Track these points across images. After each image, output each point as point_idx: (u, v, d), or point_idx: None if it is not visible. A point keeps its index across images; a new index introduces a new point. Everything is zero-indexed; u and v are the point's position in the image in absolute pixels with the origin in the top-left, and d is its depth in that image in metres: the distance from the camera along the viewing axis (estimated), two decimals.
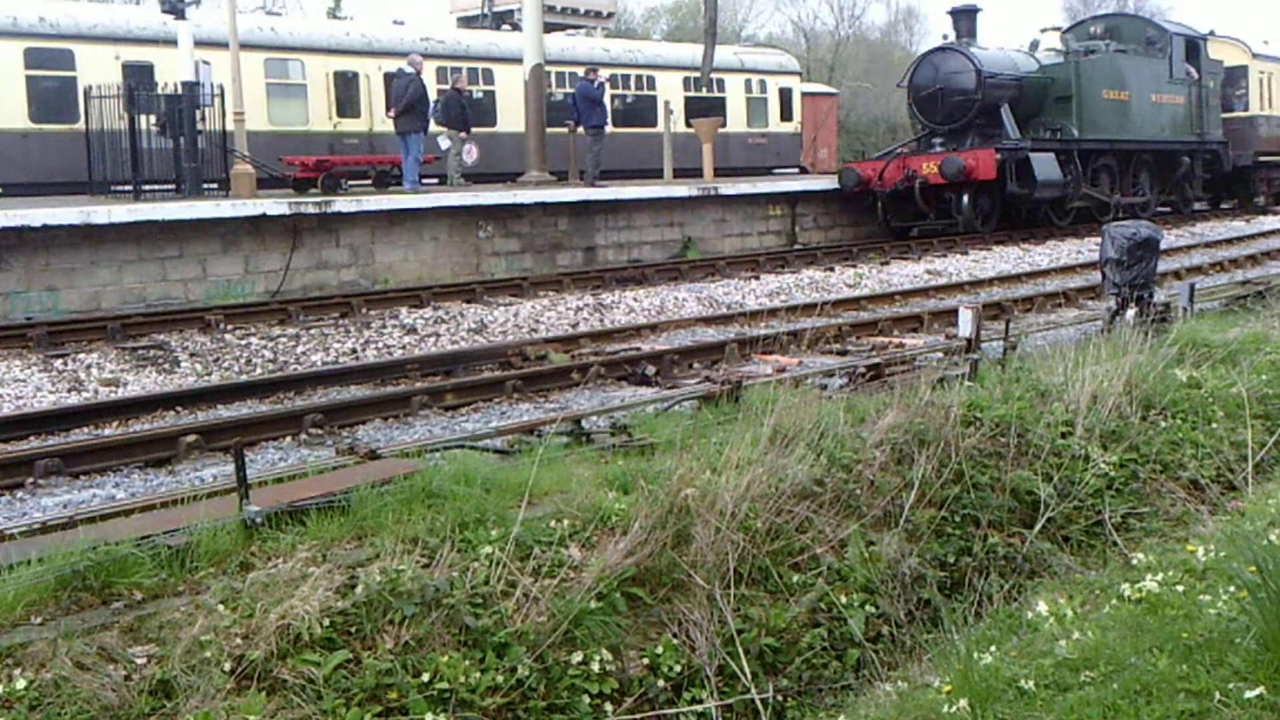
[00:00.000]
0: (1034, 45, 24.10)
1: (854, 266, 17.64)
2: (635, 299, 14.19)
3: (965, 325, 9.35)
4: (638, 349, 11.22)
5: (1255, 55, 29.50)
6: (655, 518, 5.29)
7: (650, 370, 9.97)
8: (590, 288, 14.80)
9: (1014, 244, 21.08)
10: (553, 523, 5.28)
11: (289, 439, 7.96)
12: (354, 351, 11.19)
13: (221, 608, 4.29)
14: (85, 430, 8.29)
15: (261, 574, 4.59)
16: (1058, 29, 26.08)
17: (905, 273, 17.37)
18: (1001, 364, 8.61)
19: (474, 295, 13.71)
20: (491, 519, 5.17)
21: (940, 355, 9.54)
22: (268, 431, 8.01)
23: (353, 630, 4.38)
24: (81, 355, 10.23)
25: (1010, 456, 6.66)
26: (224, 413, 8.80)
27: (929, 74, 22.48)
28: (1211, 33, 28.39)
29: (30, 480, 6.89)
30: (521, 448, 6.75)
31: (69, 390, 9.41)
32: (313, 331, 11.64)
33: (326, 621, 4.32)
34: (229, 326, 11.50)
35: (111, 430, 8.31)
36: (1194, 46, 26.27)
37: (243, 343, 11.07)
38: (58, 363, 9.96)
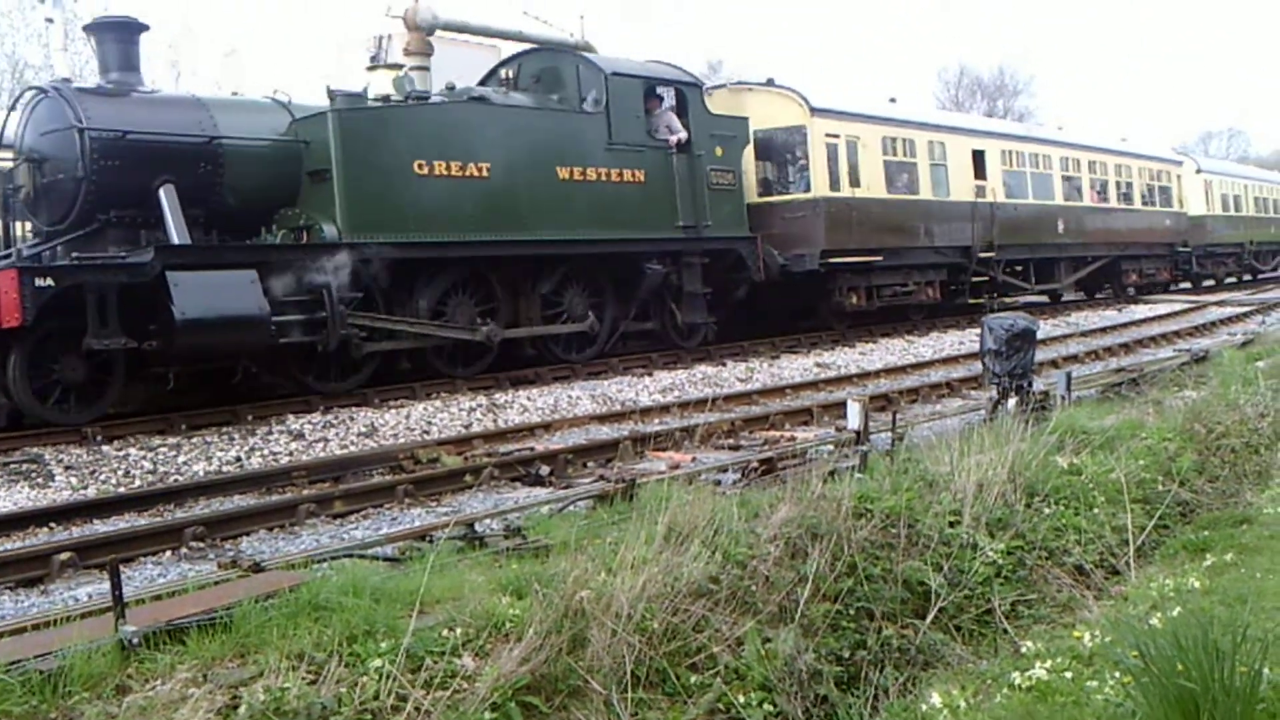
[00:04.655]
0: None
1: (745, 361, 17.88)
2: (529, 398, 14.15)
3: (854, 418, 9.53)
4: (531, 449, 11.16)
5: (817, 111, 20.40)
6: (550, 622, 5.20)
7: (544, 470, 9.91)
8: (483, 388, 14.73)
9: (899, 336, 21.63)
10: (445, 631, 5.15)
11: (169, 553, 7.69)
12: (238, 460, 10.90)
13: None
14: None
15: (139, 697, 4.39)
16: (392, 67, 15.73)
17: (796, 366, 17.66)
18: (890, 455, 8.76)
19: (365, 398, 13.52)
20: (382, 630, 5.03)
21: (831, 448, 9.68)
22: (146, 546, 7.72)
23: None
24: None
25: (901, 547, 6.74)
26: (100, 528, 8.47)
27: (26, 134, 13.16)
28: (770, 81, 21.02)
29: None
30: (413, 554, 6.61)
31: None
32: (195, 440, 11.32)
33: None
34: (106, 438, 11.13)
35: None
36: (681, 97, 17.89)
37: (120, 454, 10.71)
38: None
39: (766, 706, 5.19)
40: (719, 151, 18.17)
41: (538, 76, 17.16)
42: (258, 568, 6.16)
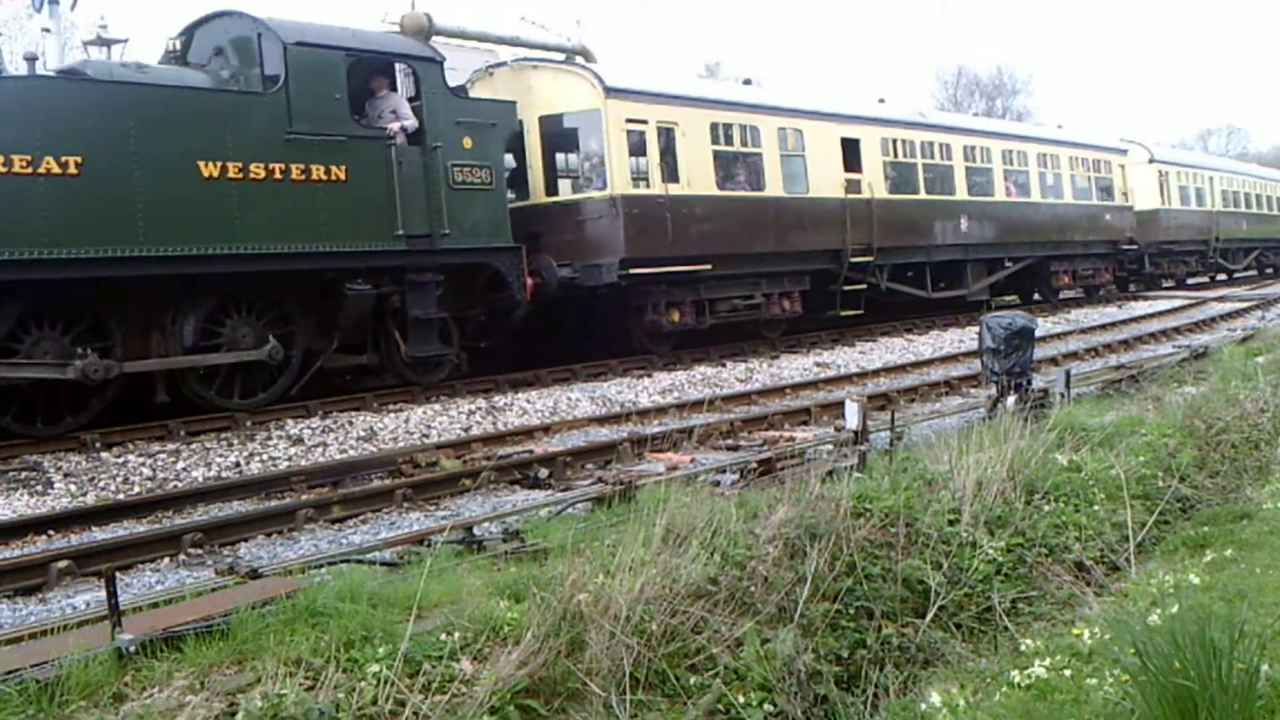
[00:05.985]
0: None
1: (745, 361, 17.87)
2: (528, 400, 14.14)
3: (852, 417, 9.52)
4: (530, 451, 11.15)
5: (614, 92, 16.81)
6: (548, 625, 5.19)
7: (543, 473, 9.90)
8: (482, 391, 14.72)
9: (899, 335, 21.61)
10: (443, 636, 5.14)
11: (167, 560, 7.69)
12: (237, 465, 10.89)
13: None
14: None
15: (136, 705, 4.39)
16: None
17: (795, 365, 17.65)
18: (889, 454, 8.75)
19: (363, 403, 13.51)
20: (379, 635, 5.02)
21: (830, 447, 9.67)
22: (144, 553, 7.71)
23: None
24: None
25: (900, 546, 6.73)
26: (99, 535, 8.46)
27: None
28: (570, 58, 17.82)
29: None
30: (411, 559, 6.61)
31: None
32: (194, 446, 11.32)
33: None
34: (105, 445, 11.12)
35: None
36: (414, 79, 14.48)
37: (119, 460, 10.70)
38: None
39: (766, 707, 5.18)
40: (467, 143, 14.50)
41: (219, 48, 13.60)
42: (255, 574, 6.14)
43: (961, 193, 24.11)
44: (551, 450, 10.99)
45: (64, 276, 11.20)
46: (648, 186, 17.24)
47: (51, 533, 8.53)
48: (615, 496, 7.84)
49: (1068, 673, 4.58)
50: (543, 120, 16.94)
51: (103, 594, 6.10)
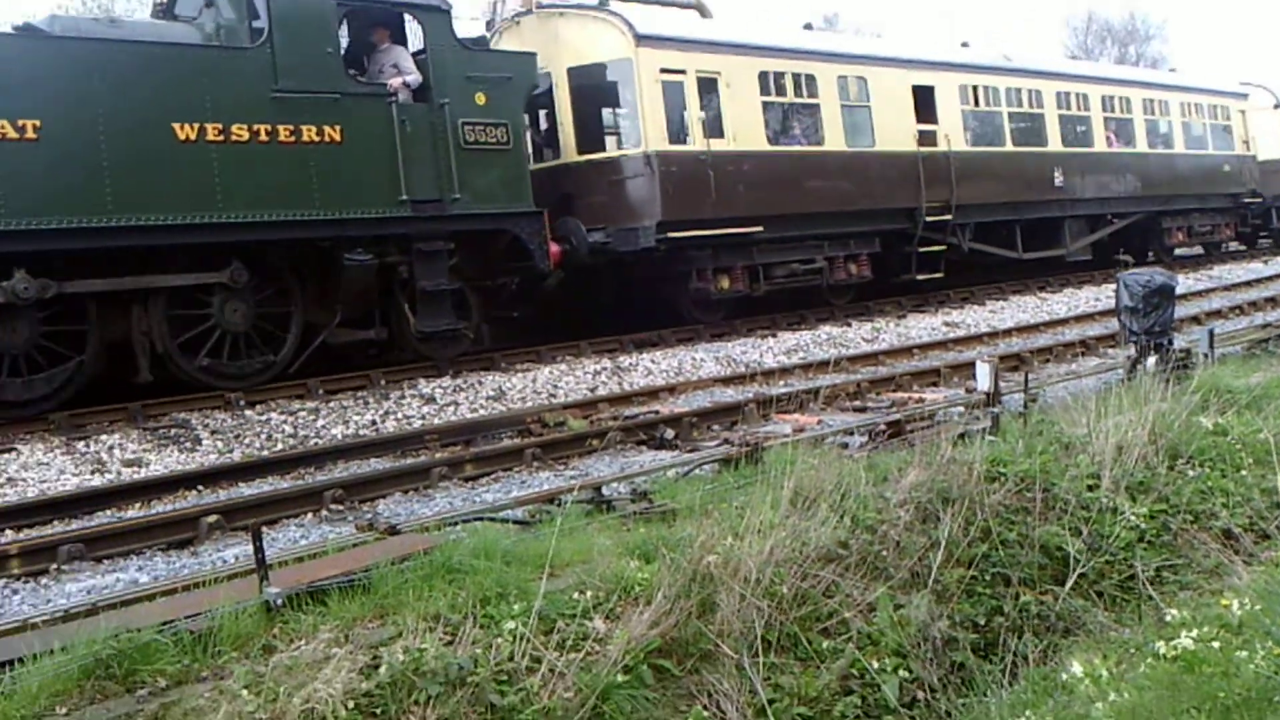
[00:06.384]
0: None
1: (871, 321, 17.61)
2: (653, 361, 14.19)
3: (984, 379, 9.32)
4: (656, 412, 11.20)
5: (645, 40, 15.46)
6: (679, 586, 5.24)
7: (669, 433, 9.94)
8: (607, 351, 14.81)
9: (1031, 293, 21.03)
10: (575, 594, 5.23)
11: (310, 515, 7.95)
12: (373, 423, 11.20)
13: (245, 693, 4.25)
14: (108, 513, 8.30)
15: (284, 656, 4.55)
16: None
17: (923, 325, 17.34)
18: (1023, 417, 8.55)
19: (492, 362, 13.73)
20: (514, 593, 5.12)
21: (961, 410, 9.50)
22: (288, 509, 7.99)
23: (377, 712, 4.33)
24: (104, 436, 10.24)
25: (1037, 511, 6.59)
26: (245, 490, 8.79)
27: None
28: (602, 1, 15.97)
29: (54, 566, 6.87)
30: (542, 517, 6.72)
31: (92, 472, 9.42)
32: (332, 405, 11.66)
33: (351, 704, 4.28)
34: (249, 403, 11.53)
35: (134, 512, 8.31)
36: (391, 20, 13.34)
37: (263, 418, 11.08)
38: (80, 444, 9.98)
39: (901, 673, 5.15)
40: (480, 99, 13.18)
41: (209, 1, 12.33)
42: (394, 530, 6.32)
43: (1055, 143, 22.07)
44: (677, 411, 11.02)
45: (18, 249, 10.31)
46: (687, 142, 15.70)
47: (201, 488, 8.89)
48: (742, 458, 7.84)
49: (1216, 644, 4.43)
50: (571, 72, 15.65)
51: (249, 548, 6.35)
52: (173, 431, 10.58)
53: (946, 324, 17.48)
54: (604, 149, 15.80)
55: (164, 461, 9.82)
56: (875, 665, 5.14)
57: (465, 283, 13.61)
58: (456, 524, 6.45)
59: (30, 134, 10.23)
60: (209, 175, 11.20)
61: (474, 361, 13.77)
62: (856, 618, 5.41)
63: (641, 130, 15.29)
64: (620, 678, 4.69)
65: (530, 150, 15.43)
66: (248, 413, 11.24)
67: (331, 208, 11.99)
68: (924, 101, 19.31)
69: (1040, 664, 5.26)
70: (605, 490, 7.41)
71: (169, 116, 10.99)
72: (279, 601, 4.95)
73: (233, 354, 11.90)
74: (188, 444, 10.33)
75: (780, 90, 17.13)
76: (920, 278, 19.14)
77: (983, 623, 5.74)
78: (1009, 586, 6.01)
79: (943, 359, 14.02)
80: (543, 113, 16.08)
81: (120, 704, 4.22)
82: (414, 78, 12.84)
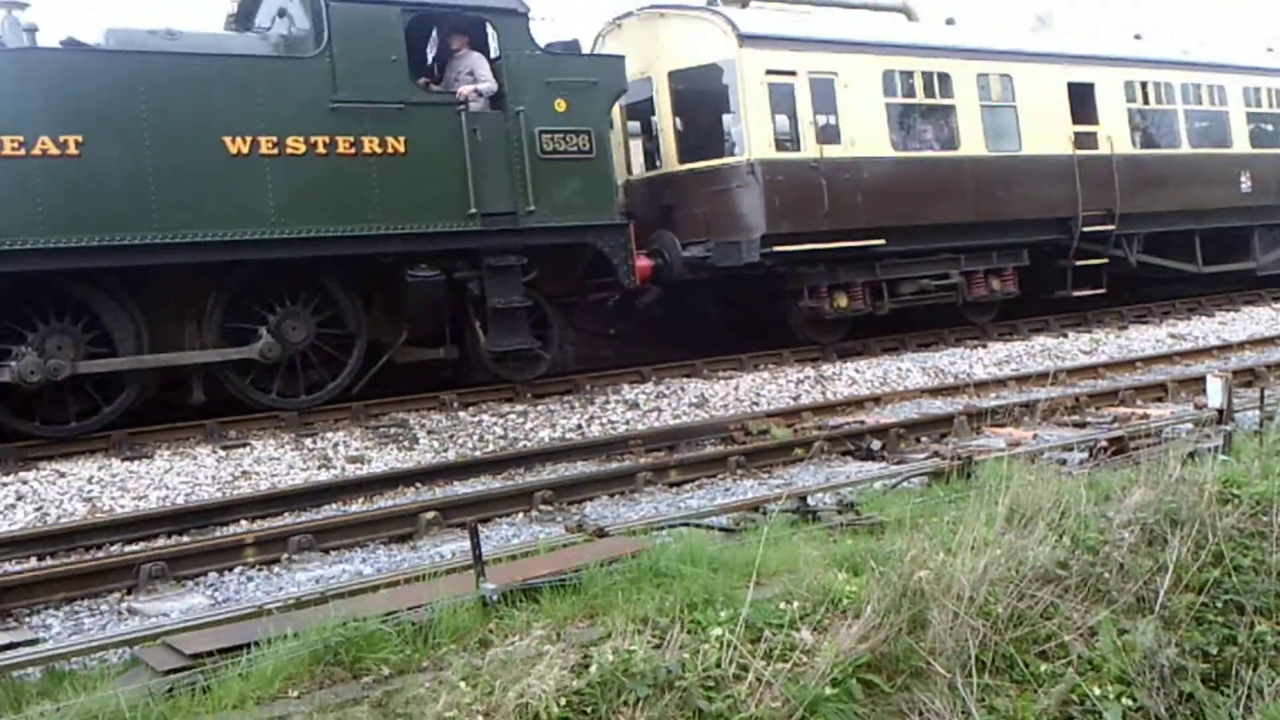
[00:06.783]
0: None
1: (1089, 332, 16.87)
2: (857, 370, 13.99)
3: (1215, 395, 8.80)
4: (861, 422, 11.03)
5: (749, 39, 14.38)
6: (888, 601, 5.14)
7: (876, 444, 9.78)
8: (810, 359, 14.68)
9: (1265, 304, 19.74)
10: (782, 604, 5.19)
11: (520, 515, 8.19)
12: (579, 427, 11.43)
13: (463, 685, 4.39)
14: (334, 506, 8.75)
15: (500, 651, 4.68)
16: None
17: (1146, 337, 16.52)
18: (1258, 436, 8.03)
19: (694, 369, 13.81)
20: (720, 599, 5.13)
21: (1189, 427, 9.01)
22: (500, 508, 8.25)
23: (588, 710, 4.41)
24: (329, 433, 10.81)
25: (1275, 537, 6.18)
26: (459, 489, 9.12)
27: None
28: None
29: (285, 555, 7.29)
30: (746, 525, 6.73)
31: (319, 467, 9.95)
32: (540, 408, 11.96)
33: (563, 700, 4.36)
34: (462, 405, 11.95)
35: (358, 506, 8.75)
36: (468, 26, 12.68)
37: (475, 420, 11.47)
38: (308, 441, 10.56)
39: (1125, 700, 4.91)
40: (561, 106, 12.45)
41: (282, 9, 12.15)
42: (602, 533, 6.43)
43: (1241, 144, 19.65)
44: (884, 422, 10.83)
45: (53, 267, 10.12)
46: (797, 149, 14.61)
47: (418, 485, 9.29)
48: (953, 472, 7.66)
49: None
50: (672, 76, 14.83)
51: (464, 544, 6.58)
52: (392, 430, 11.06)
53: (1172, 335, 16.61)
54: (705, 157, 14.82)
55: (384, 459, 10.28)
56: (1097, 692, 4.92)
57: (545, 299, 12.98)
58: (663, 529, 6.52)
59: (72, 150, 10.03)
60: (262, 189, 10.83)
61: (677, 369, 13.87)
62: (1076, 641, 5.19)
63: (744, 137, 14.35)
64: (829, 690, 4.63)
65: (641, 159, 15.23)
66: (461, 414, 11.65)
67: (393, 221, 11.46)
68: (1081, 100, 17.55)
69: (1278, 699, 4.93)
70: (810, 500, 7.35)
71: (219, 130, 10.66)
72: (494, 597, 5.10)
73: (289, 374, 11.54)
74: (406, 443, 10.78)
75: (909, 90, 15.90)
76: (1077, 294, 17.37)
77: (1214, 652, 5.41)
78: (1243, 615, 5.65)
79: (1168, 373, 13.33)
80: (653, 120, 15.45)
81: (347, 689, 4.43)
82: (487, 85, 12.23)
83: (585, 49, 14.02)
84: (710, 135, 15.07)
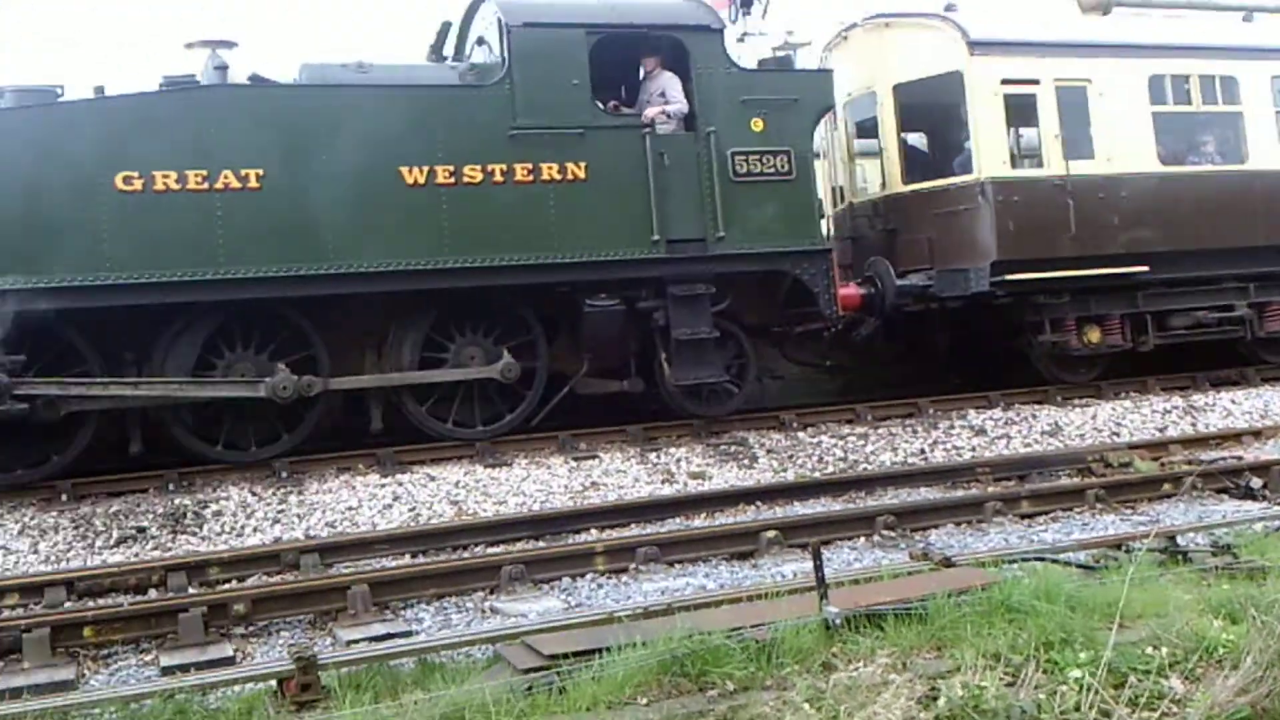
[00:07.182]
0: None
1: None
2: (1233, 400, 12.86)
3: None
4: (1239, 457, 10.14)
5: (980, 47, 13.07)
6: (1272, 653, 4.68)
7: (1256, 483, 8.95)
8: (1179, 388, 13.61)
9: None
10: (1149, 649, 4.86)
11: (862, 539, 8.08)
12: (922, 452, 11.16)
13: (807, 706, 4.39)
14: (677, 520, 8.99)
15: (843, 675, 4.65)
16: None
17: None
18: None
19: (1046, 396, 13.14)
20: (1079, 640, 4.86)
21: None
22: (841, 531, 8.18)
23: None
24: (672, 449, 11.11)
25: None
26: (798, 509, 9.13)
27: None
28: (948, 5, 13.90)
29: (633, 566, 7.55)
30: (1108, 563, 6.32)
31: (662, 482, 10.25)
32: (880, 431, 11.78)
33: None
34: (801, 425, 11.96)
35: (700, 521, 8.94)
36: (681, 52, 11.87)
37: (814, 441, 11.44)
38: (652, 455, 10.90)
39: None
40: (757, 125, 11.72)
41: (481, 38, 12.00)
42: (948, 562, 6.24)
43: None
44: (1265, 458, 9.89)
45: (240, 297, 10.26)
46: (1036, 166, 13.31)
47: (759, 504, 9.37)
48: None
49: None
50: (897, 90, 13.73)
51: (804, 565, 6.58)
52: (732, 448, 11.23)
53: None
54: (931, 177, 13.69)
55: (724, 476, 10.45)
56: None
57: (742, 330, 12.26)
58: (1014, 562, 6.25)
59: (253, 183, 10.18)
60: (437, 220, 10.68)
61: (1027, 395, 13.24)
62: None
63: (974, 154, 13.06)
64: None
65: (878, 179, 14.12)
66: (800, 434, 11.66)
67: (569, 250, 11.08)
68: None
69: None
70: (1180, 540, 6.82)
71: (396, 161, 10.59)
72: (837, 621, 5.06)
73: (464, 404, 11.32)
74: (745, 461, 10.91)
75: (1182, 97, 14.05)
76: None
77: None
78: None
79: None
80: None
81: (693, 701, 4.52)
82: (677, 107, 11.68)
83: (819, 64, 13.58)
84: (937, 153, 14.21)
